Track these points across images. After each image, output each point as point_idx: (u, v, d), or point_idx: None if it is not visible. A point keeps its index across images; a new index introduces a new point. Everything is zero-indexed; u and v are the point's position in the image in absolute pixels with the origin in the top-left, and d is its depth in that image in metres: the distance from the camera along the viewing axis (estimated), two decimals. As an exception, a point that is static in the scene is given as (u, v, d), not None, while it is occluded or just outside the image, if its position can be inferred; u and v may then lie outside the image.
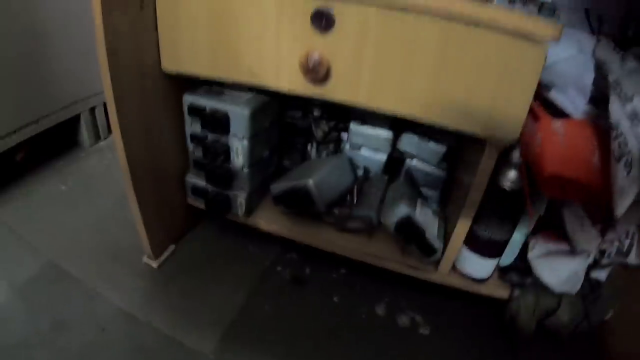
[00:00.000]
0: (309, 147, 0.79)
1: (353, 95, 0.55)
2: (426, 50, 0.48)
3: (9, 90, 0.86)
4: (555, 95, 0.54)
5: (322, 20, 0.52)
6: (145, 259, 0.77)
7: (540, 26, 0.43)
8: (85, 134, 1.08)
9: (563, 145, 0.52)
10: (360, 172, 0.76)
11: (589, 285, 0.63)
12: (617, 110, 0.48)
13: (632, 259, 0.57)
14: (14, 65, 0.85)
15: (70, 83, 0.99)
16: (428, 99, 0.52)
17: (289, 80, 0.57)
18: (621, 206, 0.49)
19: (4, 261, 0.75)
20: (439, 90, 0.51)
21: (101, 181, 0.97)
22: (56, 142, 1.04)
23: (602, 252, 0.60)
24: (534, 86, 0.47)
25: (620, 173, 0.48)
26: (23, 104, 0.90)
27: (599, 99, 0.53)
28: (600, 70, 0.53)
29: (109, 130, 1.09)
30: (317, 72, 0.53)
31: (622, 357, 0.64)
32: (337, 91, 0.55)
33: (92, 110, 1.07)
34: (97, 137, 1.11)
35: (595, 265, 0.62)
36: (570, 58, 0.56)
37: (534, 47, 0.44)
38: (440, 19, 0.46)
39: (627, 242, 0.58)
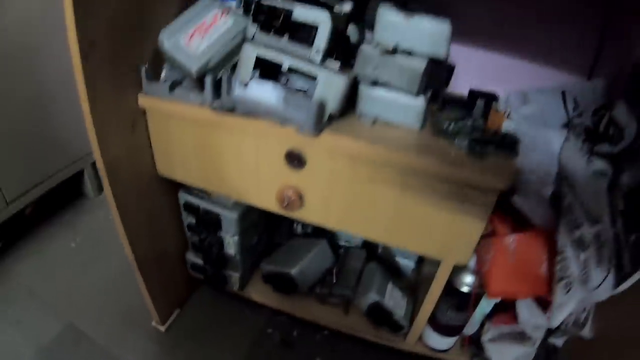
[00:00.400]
0: (294, 224, 0.89)
1: (324, 220, 0.64)
2: (388, 192, 0.56)
3: (17, 155, 0.94)
4: (517, 201, 0.61)
5: (295, 160, 0.59)
6: (153, 323, 0.88)
7: (489, 180, 0.51)
8: (89, 186, 1.17)
9: (512, 262, 0.61)
10: (341, 251, 0.86)
11: (546, 351, 0.72)
12: (563, 237, 0.56)
13: (586, 332, 0.64)
14: (21, 130, 0.93)
15: (73, 142, 1.06)
16: (390, 227, 0.61)
17: (268, 203, 0.65)
18: (557, 318, 0.59)
19: (29, 323, 0.86)
20: (399, 223, 0.59)
21: (109, 236, 1.06)
22: (62, 194, 1.13)
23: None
24: (485, 221, 0.55)
25: (560, 291, 0.58)
26: (30, 166, 0.98)
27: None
28: (563, 180, 0.59)
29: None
30: (291, 206, 0.62)
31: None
32: (310, 215, 0.64)
33: (94, 164, 1.15)
34: (100, 189, 1.19)
35: (554, 331, 0.70)
36: (535, 165, 0.62)
37: (484, 194, 0.52)
38: (401, 169, 0.54)
39: (583, 316, 0.65)
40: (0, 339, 0.83)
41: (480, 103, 0.57)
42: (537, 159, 0.62)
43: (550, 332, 0.68)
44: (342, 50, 0.54)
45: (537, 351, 0.69)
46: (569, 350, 0.70)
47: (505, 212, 0.60)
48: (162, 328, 0.87)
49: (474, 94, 0.61)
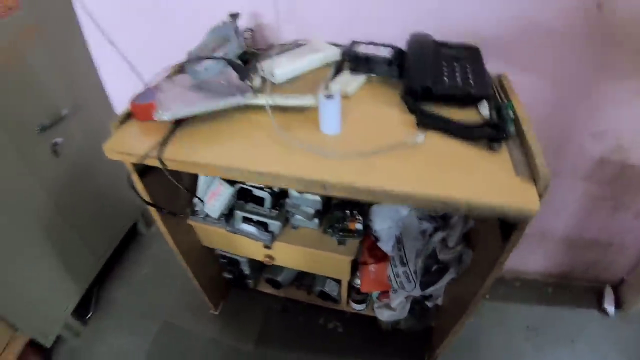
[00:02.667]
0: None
1: (282, 264, 1.38)
2: (309, 254, 1.30)
3: (98, 221, 1.65)
4: (381, 245, 1.32)
5: (267, 257, 1.31)
6: (210, 310, 1.66)
7: (344, 253, 1.24)
8: (142, 226, 1.90)
9: (373, 278, 1.34)
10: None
11: (421, 309, 1.47)
12: (393, 267, 1.28)
13: (439, 301, 1.37)
14: (96, 203, 1.61)
15: (129, 201, 1.75)
16: (311, 266, 1.35)
17: (260, 259, 1.38)
18: (395, 302, 1.34)
19: (137, 327, 1.64)
20: (318, 262, 1.33)
21: (169, 261, 1.80)
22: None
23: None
24: (350, 258, 1.27)
25: (392, 291, 1.32)
26: (108, 225, 1.69)
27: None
28: (402, 235, 1.31)
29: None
30: (269, 262, 1.35)
31: (438, 339, 1.45)
32: (277, 263, 1.37)
33: (142, 212, 1.87)
34: (148, 225, 1.92)
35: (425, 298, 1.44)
36: (387, 227, 1.33)
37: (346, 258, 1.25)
38: (311, 246, 1.27)
39: (434, 294, 1.41)
40: (119, 342, 1.59)
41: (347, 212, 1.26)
42: (387, 224, 1.31)
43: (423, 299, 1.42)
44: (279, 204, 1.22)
45: (413, 311, 1.43)
46: (435, 309, 1.44)
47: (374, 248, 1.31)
48: (216, 312, 1.65)
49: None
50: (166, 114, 0.84)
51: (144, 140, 0.87)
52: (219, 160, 0.80)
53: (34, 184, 1.27)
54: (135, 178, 0.94)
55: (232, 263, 1.48)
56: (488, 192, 0.69)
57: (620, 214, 1.35)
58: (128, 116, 0.97)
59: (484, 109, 0.86)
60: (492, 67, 0.96)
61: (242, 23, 1.12)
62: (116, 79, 1.52)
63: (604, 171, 1.25)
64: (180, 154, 0.84)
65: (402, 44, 0.99)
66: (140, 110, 0.94)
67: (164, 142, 0.87)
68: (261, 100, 0.89)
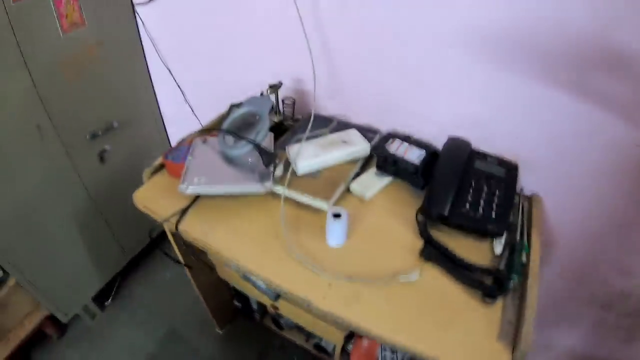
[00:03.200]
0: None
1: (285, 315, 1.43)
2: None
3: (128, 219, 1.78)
4: None
5: (273, 309, 1.37)
6: (216, 329, 1.76)
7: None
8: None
9: (363, 352, 1.37)
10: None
11: None
12: None
13: None
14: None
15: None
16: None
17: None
18: None
19: (146, 324, 1.77)
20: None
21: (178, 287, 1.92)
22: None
23: None
24: (342, 341, 1.31)
25: None
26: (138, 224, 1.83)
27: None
28: None
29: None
30: (275, 310, 1.41)
31: None
32: (282, 313, 1.42)
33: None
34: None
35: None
36: None
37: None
38: None
39: None
40: (127, 334, 1.71)
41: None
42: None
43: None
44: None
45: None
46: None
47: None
48: (220, 331, 1.74)
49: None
50: (190, 189, 0.90)
51: (169, 198, 0.95)
52: (226, 251, 0.85)
53: (78, 183, 1.41)
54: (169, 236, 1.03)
55: (243, 297, 1.55)
56: (459, 355, 0.68)
57: (638, 343, 1.28)
58: (160, 167, 1.05)
59: (498, 245, 0.84)
60: (527, 181, 0.94)
61: (285, 89, 1.15)
62: (169, 101, 1.61)
63: (626, 304, 1.18)
64: (196, 230, 0.90)
65: (440, 141, 0.98)
66: (170, 168, 1.01)
67: (183, 212, 0.92)
68: (278, 190, 0.92)
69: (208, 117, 1.50)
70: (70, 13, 1.16)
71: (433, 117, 1.04)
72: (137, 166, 1.55)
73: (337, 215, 0.82)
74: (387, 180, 0.98)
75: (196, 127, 1.49)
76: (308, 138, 0.99)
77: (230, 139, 0.96)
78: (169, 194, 0.96)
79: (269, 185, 0.90)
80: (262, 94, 1.03)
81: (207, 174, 0.92)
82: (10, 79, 1.11)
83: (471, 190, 0.87)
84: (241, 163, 0.95)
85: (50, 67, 1.19)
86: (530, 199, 0.96)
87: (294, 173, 0.94)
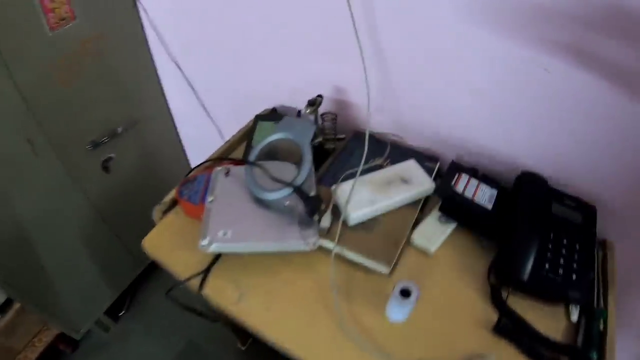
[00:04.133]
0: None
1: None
2: None
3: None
4: None
5: None
6: (238, 345, 1.63)
7: None
8: None
9: None
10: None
11: None
12: None
13: None
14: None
15: None
16: None
17: None
18: None
19: (164, 337, 1.65)
20: None
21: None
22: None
23: None
24: None
25: None
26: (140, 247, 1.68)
27: None
28: None
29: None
30: None
31: None
32: None
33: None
34: None
35: None
36: None
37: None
38: None
39: None
40: (143, 348, 1.59)
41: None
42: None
43: None
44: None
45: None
46: None
47: None
48: (243, 348, 1.62)
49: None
50: (213, 246, 0.71)
51: (187, 246, 0.77)
52: (264, 327, 0.69)
53: (81, 197, 1.28)
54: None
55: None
56: None
57: None
58: (173, 203, 0.87)
59: (575, 311, 0.69)
60: (602, 225, 0.77)
61: (326, 103, 0.94)
62: (179, 99, 1.40)
63: None
64: (225, 296, 0.73)
65: (508, 172, 0.83)
66: (186, 207, 0.83)
67: (207, 270, 0.74)
68: (326, 245, 0.74)
69: (226, 120, 1.29)
70: (57, 7, 0.93)
71: (505, 149, 0.85)
72: (148, 171, 1.49)
73: (405, 293, 0.62)
74: (451, 227, 0.79)
75: (212, 129, 1.28)
76: (362, 173, 0.80)
77: (261, 174, 0.77)
78: (187, 240, 0.78)
79: (313, 241, 0.71)
80: (299, 114, 0.81)
81: (233, 225, 0.73)
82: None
83: (550, 246, 0.70)
84: (277, 208, 0.75)
85: (38, 72, 1.01)
86: (604, 245, 0.80)
87: (344, 222, 0.75)
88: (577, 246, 0.71)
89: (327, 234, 0.74)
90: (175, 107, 1.43)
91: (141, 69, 1.31)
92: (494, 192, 0.80)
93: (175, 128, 1.49)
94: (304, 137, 0.79)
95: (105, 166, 1.32)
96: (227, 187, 0.81)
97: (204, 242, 0.72)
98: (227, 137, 1.01)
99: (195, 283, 0.75)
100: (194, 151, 1.58)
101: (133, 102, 1.33)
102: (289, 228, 0.73)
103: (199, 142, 1.52)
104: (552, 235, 0.72)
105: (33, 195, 1.11)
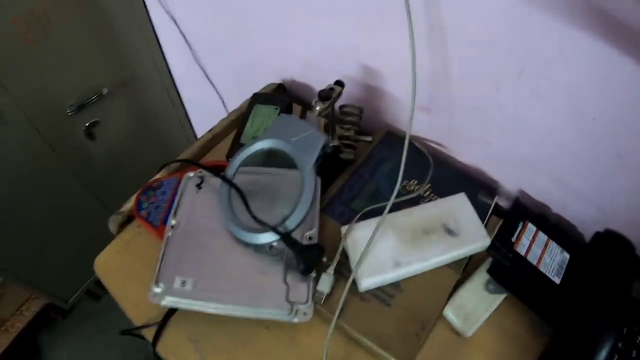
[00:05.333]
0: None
1: None
2: None
3: None
4: None
5: None
6: None
7: None
8: None
9: None
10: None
11: None
12: None
13: None
14: None
15: None
16: None
17: None
18: None
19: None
20: None
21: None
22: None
23: None
24: None
25: None
26: None
27: None
28: None
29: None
30: None
31: None
32: None
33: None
34: None
35: None
36: None
37: None
38: None
39: None
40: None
41: None
42: None
43: None
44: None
45: None
46: None
47: None
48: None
49: None
50: (167, 300, 0.50)
51: (144, 278, 0.55)
52: None
53: (62, 167, 1.12)
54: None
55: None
56: None
57: None
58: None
59: None
60: None
61: (348, 90, 0.66)
62: (177, 57, 1.16)
63: None
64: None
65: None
66: (145, 225, 0.61)
67: (161, 324, 0.54)
68: (323, 313, 0.52)
69: (229, 92, 1.03)
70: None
71: (594, 195, 0.57)
72: (143, 136, 1.29)
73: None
74: (500, 298, 0.55)
75: (215, 97, 1.04)
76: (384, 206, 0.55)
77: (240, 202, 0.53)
78: (146, 268, 0.56)
79: (305, 310, 0.49)
80: (306, 112, 0.56)
81: (197, 272, 0.52)
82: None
83: (620, 345, 0.47)
84: (260, 256, 0.52)
85: (3, 28, 0.82)
86: None
87: (353, 285, 0.52)
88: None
89: (324, 301, 0.50)
90: (175, 68, 1.17)
91: (133, 20, 1.07)
92: (566, 257, 0.56)
93: (177, 89, 1.25)
94: (305, 155, 0.53)
95: (89, 132, 1.11)
96: (197, 206, 0.59)
97: (156, 290, 0.51)
98: (231, 108, 0.82)
99: (150, 335, 0.55)
100: (197, 116, 1.34)
101: (122, 60, 1.11)
102: (273, 286, 0.51)
103: (203, 108, 1.28)
104: (625, 329, 0.48)
105: (7, 166, 0.98)
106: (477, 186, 0.62)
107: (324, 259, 0.52)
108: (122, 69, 1.12)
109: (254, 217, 0.51)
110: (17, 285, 1.19)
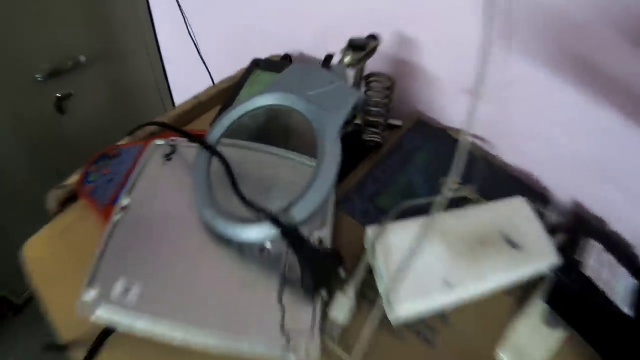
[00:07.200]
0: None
1: None
2: None
3: None
4: None
5: None
6: None
7: None
8: None
9: None
10: None
11: None
12: None
13: None
14: None
15: None
16: None
17: None
18: None
19: None
20: None
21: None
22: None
23: None
24: None
25: None
26: None
27: None
28: None
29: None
30: None
31: None
32: None
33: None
34: None
35: None
36: None
37: None
38: None
39: None
40: None
41: None
42: None
43: None
44: None
45: None
46: None
47: None
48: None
49: None
50: (99, 312, 0.33)
51: (80, 275, 0.37)
52: None
53: (24, 141, 0.95)
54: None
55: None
56: None
57: None
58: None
59: None
60: None
61: (376, 61, 0.50)
62: (169, 29, 1.00)
63: None
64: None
65: None
66: (89, 202, 0.44)
67: (93, 348, 0.36)
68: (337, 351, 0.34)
69: (222, 66, 0.87)
70: None
71: None
72: (118, 115, 1.11)
73: None
74: (560, 334, 0.38)
75: (204, 76, 0.88)
76: (422, 208, 0.39)
77: (225, 180, 0.37)
78: (85, 263, 0.38)
79: (307, 347, 0.30)
80: (327, 62, 0.39)
81: (150, 274, 0.36)
82: None
83: None
84: (246, 253, 0.36)
85: None
86: None
87: (381, 313, 0.35)
88: None
89: (340, 336, 0.33)
90: (165, 45, 1.01)
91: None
92: (632, 281, 0.42)
93: (163, 67, 1.08)
94: (327, 115, 0.36)
95: (59, 105, 0.96)
96: (161, 183, 0.41)
97: (88, 296, 0.33)
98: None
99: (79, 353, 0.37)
100: (182, 98, 1.17)
101: (107, 26, 0.97)
102: (261, 307, 0.33)
103: (189, 89, 1.11)
104: None
105: None
106: (526, 192, 0.46)
107: (341, 273, 0.34)
108: (106, 39, 0.99)
109: (242, 198, 0.34)
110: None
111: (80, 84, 0.98)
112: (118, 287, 0.35)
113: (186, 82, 1.09)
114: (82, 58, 0.95)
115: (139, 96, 1.14)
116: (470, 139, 0.47)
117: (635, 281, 0.43)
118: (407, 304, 0.34)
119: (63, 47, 0.91)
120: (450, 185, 0.43)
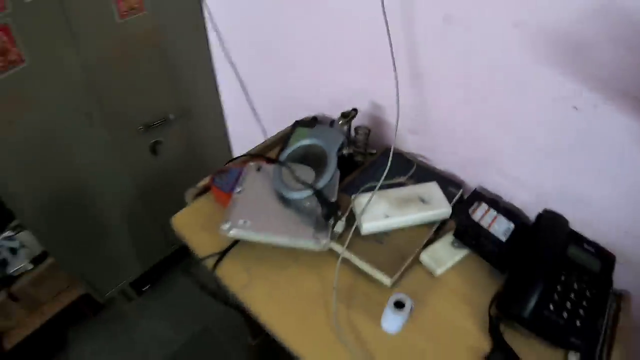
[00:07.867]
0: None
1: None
2: None
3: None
4: None
5: None
6: (249, 339, 1.67)
7: None
8: None
9: None
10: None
11: None
12: None
13: None
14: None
15: None
16: None
17: None
18: None
19: (180, 317, 1.72)
20: None
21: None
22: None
23: None
24: None
25: None
26: None
27: None
28: None
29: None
30: None
31: None
32: None
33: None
34: None
35: None
36: None
37: None
38: None
39: None
40: (160, 324, 1.68)
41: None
42: None
43: None
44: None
45: None
46: None
47: None
48: (253, 342, 1.66)
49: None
50: (232, 232, 0.77)
51: (211, 230, 0.84)
52: (263, 313, 0.74)
53: (126, 172, 1.38)
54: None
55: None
56: None
57: None
58: (206, 189, 0.94)
59: (574, 357, 0.68)
60: (621, 277, 0.75)
61: (360, 115, 0.98)
62: (231, 97, 1.50)
63: None
64: (235, 279, 0.78)
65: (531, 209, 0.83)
66: (218, 195, 0.90)
67: (223, 253, 0.80)
68: (336, 248, 0.79)
69: (271, 122, 1.36)
70: (128, -3, 1.05)
71: (531, 184, 0.84)
72: (192, 160, 1.58)
73: (399, 305, 0.66)
74: (463, 253, 0.80)
75: (258, 129, 1.36)
76: (381, 187, 0.82)
77: (288, 174, 0.82)
78: (212, 224, 0.84)
79: (325, 242, 0.75)
80: (332, 124, 0.86)
81: (254, 216, 0.78)
82: (58, 62, 1.03)
83: (559, 287, 0.69)
84: (297, 208, 0.80)
85: (103, 54, 1.11)
86: (618, 299, 0.78)
87: (357, 231, 0.78)
88: (588, 293, 0.70)
89: (338, 238, 0.78)
90: (227, 104, 1.52)
91: (199, 65, 1.41)
92: (511, 225, 0.80)
93: (225, 124, 1.59)
94: (332, 145, 0.83)
95: (154, 148, 1.42)
96: (256, 181, 0.87)
97: (225, 226, 0.78)
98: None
99: (211, 263, 0.80)
100: (239, 148, 1.67)
101: (188, 93, 1.42)
102: (304, 227, 0.78)
103: (245, 140, 1.61)
104: (563, 277, 0.71)
105: (83, 161, 1.20)
106: (447, 182, 0.91)
107: (339, 213, 0.80)
108: (187, 101, 1.44)
109: (298, 179, 0.80)
110: (65, 268, 1.36)
111: (167, 134, 1.43)
112: (240, 221, 0.80)
113: (244, 133, 1.58)
114: (172, 116, 1.40)
115: (208, 143, 1.63)
116: (413, 155, 0.93)
117: (512, 225, 0.78)
118: (367, 224, 0.78)
119: (157, 108, 1.32)
120: (397, 180, 0.89)
